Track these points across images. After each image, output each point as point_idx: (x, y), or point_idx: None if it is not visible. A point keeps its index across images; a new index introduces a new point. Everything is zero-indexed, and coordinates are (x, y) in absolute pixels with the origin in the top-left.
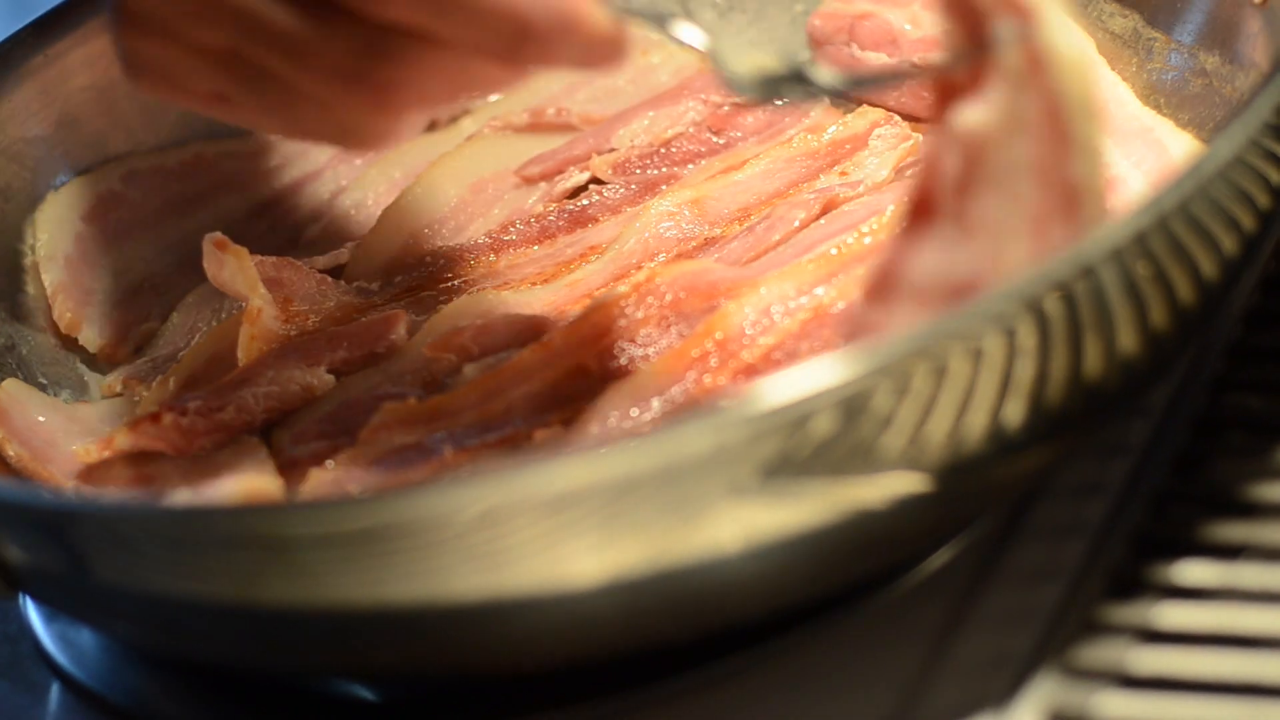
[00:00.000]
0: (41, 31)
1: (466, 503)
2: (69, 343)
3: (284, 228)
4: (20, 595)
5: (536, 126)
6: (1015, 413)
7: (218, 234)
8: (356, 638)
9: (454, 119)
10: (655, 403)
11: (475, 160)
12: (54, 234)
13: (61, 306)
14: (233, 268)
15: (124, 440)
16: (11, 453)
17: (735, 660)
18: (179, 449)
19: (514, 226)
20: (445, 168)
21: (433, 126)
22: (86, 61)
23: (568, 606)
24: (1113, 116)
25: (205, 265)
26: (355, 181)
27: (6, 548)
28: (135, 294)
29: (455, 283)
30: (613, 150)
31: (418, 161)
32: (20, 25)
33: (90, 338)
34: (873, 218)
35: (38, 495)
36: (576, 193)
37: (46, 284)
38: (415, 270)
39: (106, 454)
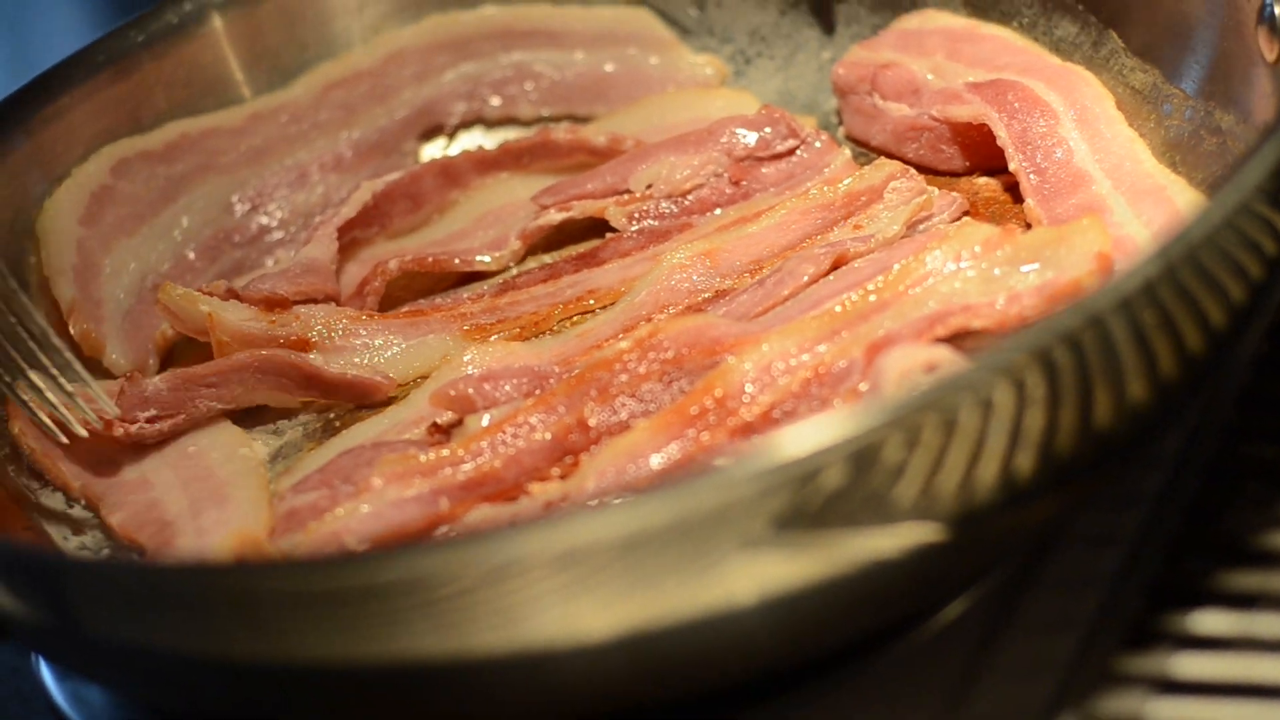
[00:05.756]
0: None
1: (476, 560)
2: (90, 365)
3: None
4: (33, 655)
5: (546, 146)
6: (1026, 463)
7: (159, 290)
8: (363, 694)
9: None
10: (653, 459)
11: (483, 198)
12: (57, 245)
13: (79, 325)
14: (181, 306)
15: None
16: (27, 448)
17: (748, 715)
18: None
19: (526, 272)
20: (458, 206)
21: (435, 133)
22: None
23: (579, 662)
24: (1128, 174)
25: (169, 322)
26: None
27: None
28: (140, 296)
29: (456, 313)
30: (628, 192)
31: None
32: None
33: (116, 360)
34: (879, 275)
35: (26, 550)
36: (580, 225)
37: (61, 302)
38: (421, 299)
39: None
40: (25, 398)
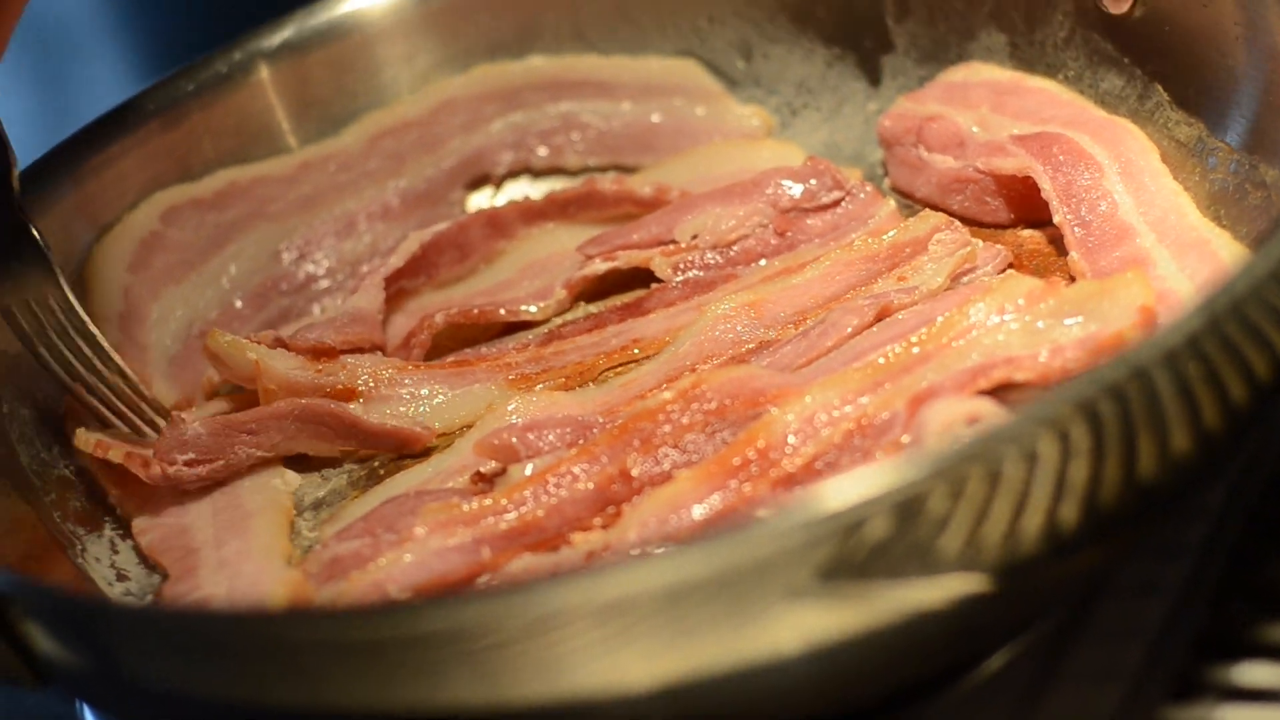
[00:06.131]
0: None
1: (517, 610)
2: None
3: (314, 258)
4: (77, 702)
5: (592, 196)
6: (1070, 514)
7: (207, 337)
8: None
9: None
10: (695, 510)
11: (530, 248)
12: (104, 291)
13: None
14: (228, 353)
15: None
16: (77, 445)
17: None
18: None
19: (571, 322)
20: (504, 256)
21: (482, 183)
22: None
23: (620, 714)
24: (1172, 227)
25: (215, 368)
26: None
27: (37, 642)
28: (186, 343)
29: (501, 362)
30: (673, 242)
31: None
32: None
33: (162, 396)
34: (922, 327)
35: (72, 596)
36: (625, 275)
37: (105, 344)
38: (465, 349)
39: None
40: (83, 394)
